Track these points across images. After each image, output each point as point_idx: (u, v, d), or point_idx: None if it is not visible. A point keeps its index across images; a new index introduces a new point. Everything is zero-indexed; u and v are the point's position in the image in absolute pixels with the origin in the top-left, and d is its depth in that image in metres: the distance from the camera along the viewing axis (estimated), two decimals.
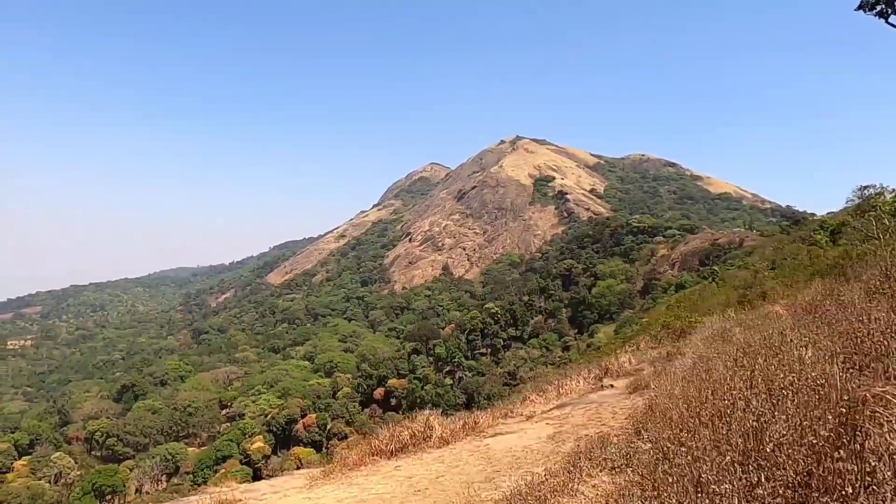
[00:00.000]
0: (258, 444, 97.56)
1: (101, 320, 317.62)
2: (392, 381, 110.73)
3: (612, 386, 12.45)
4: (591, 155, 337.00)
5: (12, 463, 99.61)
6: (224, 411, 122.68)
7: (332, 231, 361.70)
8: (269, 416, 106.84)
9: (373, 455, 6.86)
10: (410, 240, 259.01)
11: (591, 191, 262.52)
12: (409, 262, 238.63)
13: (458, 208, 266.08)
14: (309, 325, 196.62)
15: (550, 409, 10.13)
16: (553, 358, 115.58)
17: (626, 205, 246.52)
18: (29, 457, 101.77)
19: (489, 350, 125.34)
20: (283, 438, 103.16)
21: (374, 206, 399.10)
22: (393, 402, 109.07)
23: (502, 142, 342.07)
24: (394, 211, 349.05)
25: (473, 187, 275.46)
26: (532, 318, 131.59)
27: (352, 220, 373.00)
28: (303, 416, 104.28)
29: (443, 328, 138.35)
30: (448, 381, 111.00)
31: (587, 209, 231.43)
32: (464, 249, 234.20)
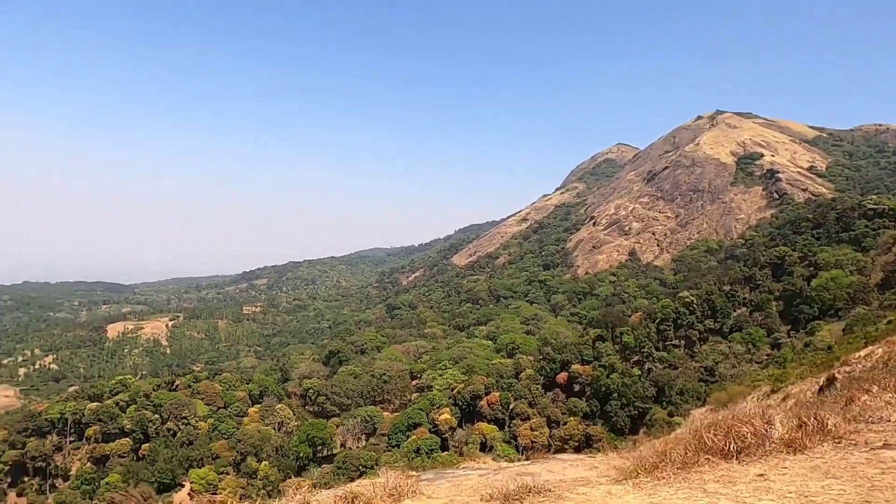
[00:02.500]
0: (445, 416, 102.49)
1: (313, 293, 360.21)
2: (576, 367, 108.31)
3: None
4: (810, 128, 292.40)
5: (247, 409, 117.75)
6: (414, 382, 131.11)
7: (514, 215, 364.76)
8: (455, 390, 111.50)
9: (705, 453, 5.62)
10: (595, 223, 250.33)
11: (810, 168, 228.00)
12: (593, 247, 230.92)
13: (648, 190, 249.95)
14: (492, 305, 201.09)
15: None
16: (760, 356, 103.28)
17: (855, 184, 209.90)
18: (259, 405, 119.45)
19: (683, 342, 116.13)
20: (468, 413, 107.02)
21: (556, 189, 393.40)
22: (576, 387, 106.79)
23: (699, 117, 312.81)
24: (577, 194, 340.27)
25: (665, 168, 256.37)
26: (734, 311, 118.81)
27: (534, 203, 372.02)
28: (486, 394, 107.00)
29: (629, 316, 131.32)
30: (636, 371, 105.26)
31: (804, 189, 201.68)
32: (653, 234, 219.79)
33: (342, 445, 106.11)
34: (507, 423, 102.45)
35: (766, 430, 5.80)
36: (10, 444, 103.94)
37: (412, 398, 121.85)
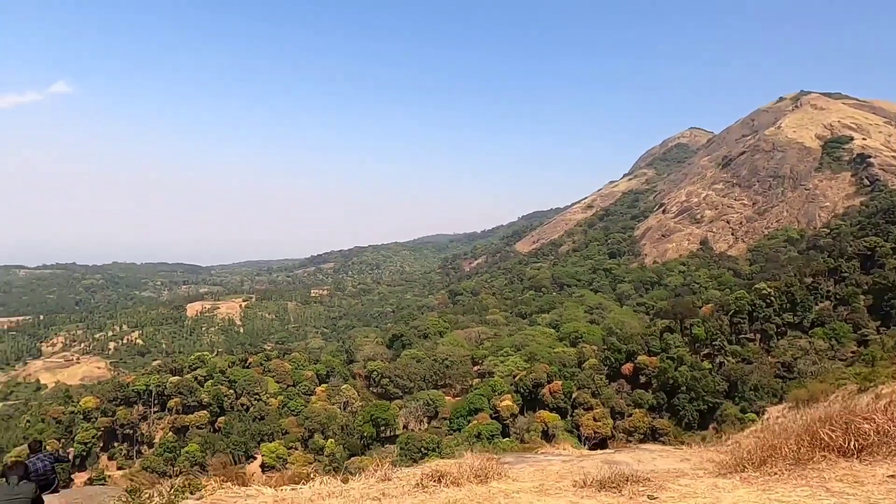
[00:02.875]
0: (507, 403, 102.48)
1: (377, 277, 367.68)
2: (642, 358, 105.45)
3: None
4: None
5: (315, 388, 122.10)
6: (475, 367, 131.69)
7: (579, 202, 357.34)
8: (517, 377, 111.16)
9: (821, 450, 5.18)
10: (664, 211, 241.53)
11: None
12: (662, 235, 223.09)
13: (722, 177, 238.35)
14: (555, 293, 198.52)
15: None
16: (844, 353, 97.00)
17: None
18: (326, 385, 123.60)
19: (758, 336, 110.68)
20: (530, 400, 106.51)
21: (624, 175, 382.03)
22: (642, 379, 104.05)
23: (781, 99, 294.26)
24: (646, 180, 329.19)
25: (742, 153, 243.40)
26: (816, 304, 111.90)
27: (600, 190, 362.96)
28: (548, 382, 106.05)
29: (699, 307, 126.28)
30: (706, 364, 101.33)
31: None
32: (727, 222, 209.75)
33: (404, 427, 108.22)
34: (570, 413, 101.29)
35: (891, 428, 5.28)
36: (102, 411, 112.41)
37: (473, 383, 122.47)
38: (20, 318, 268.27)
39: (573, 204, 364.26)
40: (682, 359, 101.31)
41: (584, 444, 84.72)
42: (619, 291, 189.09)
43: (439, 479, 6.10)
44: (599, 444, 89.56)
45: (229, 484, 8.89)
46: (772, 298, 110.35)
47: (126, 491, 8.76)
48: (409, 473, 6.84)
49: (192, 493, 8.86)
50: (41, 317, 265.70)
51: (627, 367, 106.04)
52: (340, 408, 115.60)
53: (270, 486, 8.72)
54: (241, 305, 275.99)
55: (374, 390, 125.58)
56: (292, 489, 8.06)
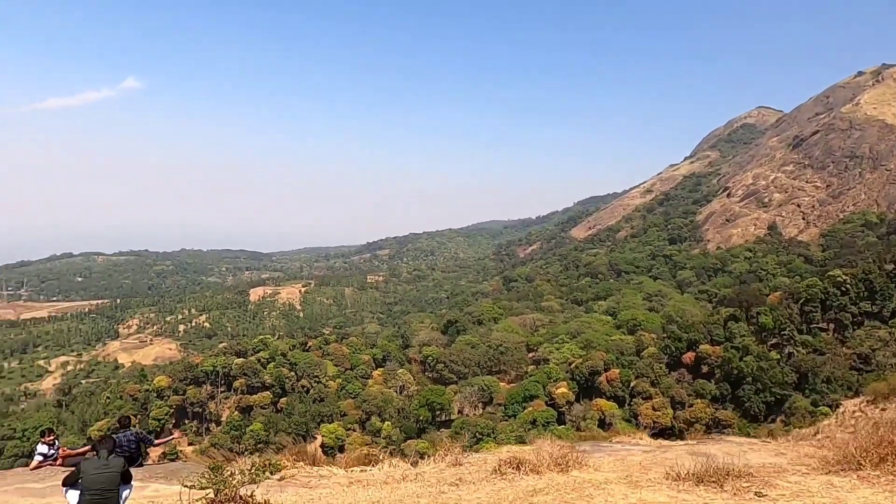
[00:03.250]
0: (562, 390, 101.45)
1: (432, 264, 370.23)
2: (704, 347, 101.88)
3: None
4: None
5: (372, 371, 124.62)
6: (530, 354, 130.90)
7: (637, 186, 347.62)
8: (573, 364, 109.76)
9: None
10: (729, 195, 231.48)
11: None
12: (726, 220, 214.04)
13: (793, 158, 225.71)
14: (612, 280, 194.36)
15: None
16: None
17: None
18: (382, 368, 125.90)
19: (832, 326, 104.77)
20: (586, 388, 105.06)
21: (685, 158, 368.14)
22: (704, 369, 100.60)
23: (860, 73, 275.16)
24: (709, 163, 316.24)
25: (815, 132, 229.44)
26: None
27: (660, 174, 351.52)
28: (605, 370, 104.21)
29: (766, 295, 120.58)
30: (774, 355, 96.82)
31: None
32: (798, 206, 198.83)
33: (459, 412, 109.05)
34: (628, 402, 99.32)
35: None
36: (174, 390, 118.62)
37: (528, 370, 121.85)
38: (99, 301, 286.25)
39: (631, 189, 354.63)
40: (747, 348, 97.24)
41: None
42: (679, 278, 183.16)
43: (518, 466, 5.93)
44: (659, 434, 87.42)
45: (301, 463, 9.08)
46: (847, 286, 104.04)
47: (209, 468, 8.76)
48: (480, 459, 6.69)
49: (272, 472, 8.89)
50: (118, 300, 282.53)
51: (689, 356, 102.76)
52: (396, 391, 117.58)
53: (341, 467, 8.83)
54: (300, 291, 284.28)
55: (430, 375, 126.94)
56: (362, 470, 8.14)
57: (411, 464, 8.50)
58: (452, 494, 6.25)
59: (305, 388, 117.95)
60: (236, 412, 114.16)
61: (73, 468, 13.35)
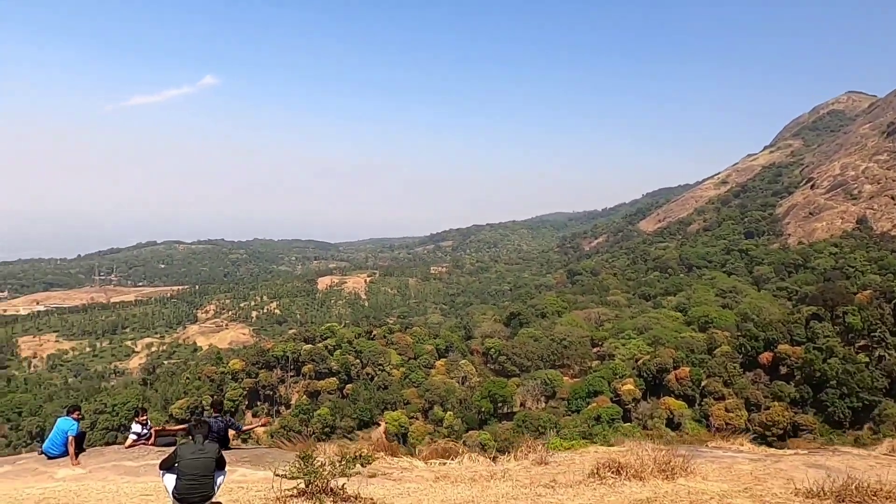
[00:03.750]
0: (629, 387, 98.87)
1: (495, 256, 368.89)
2: (783, 347, 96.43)
3: None
4: None
5: (435, 361, 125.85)
6: (595, 349, 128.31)
7: (711, 177, 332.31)
8: (640, 361, 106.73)
9: None
10: (813, 186, 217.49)
11: None
12: (809, 213, 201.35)
13: (887, 146, 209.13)
14: (682, 275, 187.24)
15: None
16: None
17: None
18: (445, 359, 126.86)
19: None
20: (654, 386, 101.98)
21: (765, 147, 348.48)
22: (783, 370, 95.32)
23: None
24: (791, 152, 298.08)
25: None
26: None
27: (736, 164, 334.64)
28: (675, 368, 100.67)
29: (854, 293, 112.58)
30: (862, 358, 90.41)
31: None
32: (892, 198, 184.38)
33: (521, 405, 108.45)
34: (698, 401, 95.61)
35: None
36: (247, 373, 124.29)
37: (592, 365, 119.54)
38: (180, 287, 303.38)
39: (704, 180, 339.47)
40: (832, 350, 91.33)
41: (715, 436, 79.79)
42: (756, 274, 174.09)
43: (618, 470, 5.65)
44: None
45: (382, 454, 9.13)
46: None
47: (299, 457, 8.72)
48: (567, 458, 6.45)
49: (362, 465, 8.78)
50: (196, 286, 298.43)
51: (766, 357, 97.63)
52: (459, 382, 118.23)
53: (420, 459, 8.81)
54: (365, 280, 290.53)
55: (492, 367, 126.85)
56: (442, 463, 8.09)
57: (492, 459, 8.38)
58: (551, 498, 5.97)
59: (370, 376, 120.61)
60: (304, 396, 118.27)
61: (167, 447, 13.73)
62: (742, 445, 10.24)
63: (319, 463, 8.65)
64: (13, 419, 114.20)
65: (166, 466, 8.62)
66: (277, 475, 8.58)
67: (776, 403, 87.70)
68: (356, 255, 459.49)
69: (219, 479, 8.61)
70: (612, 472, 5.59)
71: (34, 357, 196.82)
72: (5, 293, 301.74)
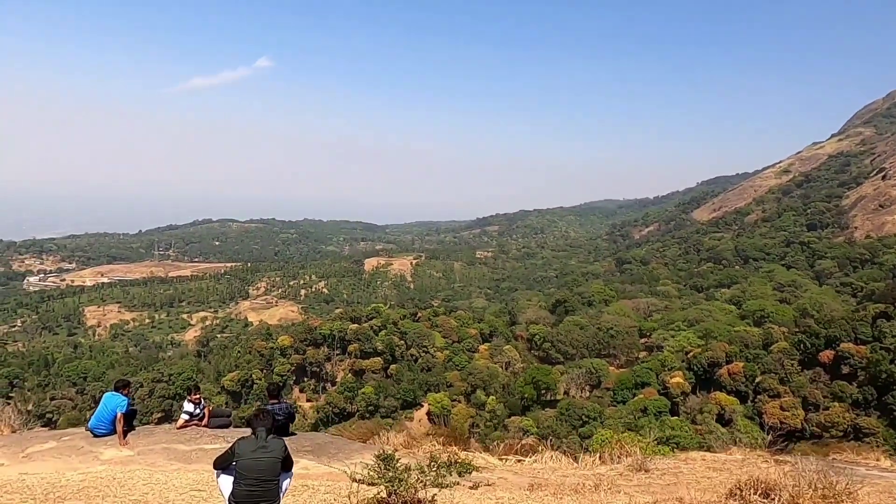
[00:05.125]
0: (678, 380, 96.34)
1: (541, 242, 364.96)
2: (846, 346, 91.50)
3: None
4: None
5: (478, 346, 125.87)
6: (642, 340, 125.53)
7: (772, 166, 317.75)
8: (691, 354, 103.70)
9: None
10: (885, 177, 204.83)
11: None
12: (880, 205, 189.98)
13: None
14: (737, 267, 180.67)
15: None
16: None
17: None
18: (489, 344, 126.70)
19: None
20: (704, 380, 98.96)
21: (832, 135, 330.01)
22: (844, 369, 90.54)
23: None
24: (862, 141, 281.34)
25: None
26: None
27: (799, 153, 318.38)
28: (727, 362, 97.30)
29: None
30: None
31: None
32: None
33: (565, 393, 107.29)
34: (751, 398, 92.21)
35: None
36: (295, 349, 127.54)
37: (640, 356, 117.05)
38: (233, 264, 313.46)
39: (764, 168, 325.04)
40: None
41: (768, 435, 76.82)
42: (817, 268, 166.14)
43: (766, 492, 4.76)
44: (786, 436, 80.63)
45: (452, 447, 8.49)
46: None
47: (379, 459, 7.39)
48: (671, 466, 5.69)
49: (460, 473, 7.43)
50: (248, 264, 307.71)
51: (826, 355, 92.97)
52: (502, 367, 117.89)
53: (495, 455, 8.19)
54: (411, 263, 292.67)
55: (536, 353, 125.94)
56: (518, 461, 7.49)
57: (573, 458, 7.68)
58: None
59: (414, 357, 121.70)
60: (350, 374, 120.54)
61: (221, 429, 12.72)
62: (878, 461, 9.05)
63: (403, 466, 7.42)
64: (79, 384, 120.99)
65: (222, 465, 7.30)
66: (355, 480, 7.35)
67: (836, 404, 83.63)
68: (403, 237, 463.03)
69: (284, 483, 7.34)
70: (759, 495, 4.66)
71: (98, 326, 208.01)
72: (73, 265, 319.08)
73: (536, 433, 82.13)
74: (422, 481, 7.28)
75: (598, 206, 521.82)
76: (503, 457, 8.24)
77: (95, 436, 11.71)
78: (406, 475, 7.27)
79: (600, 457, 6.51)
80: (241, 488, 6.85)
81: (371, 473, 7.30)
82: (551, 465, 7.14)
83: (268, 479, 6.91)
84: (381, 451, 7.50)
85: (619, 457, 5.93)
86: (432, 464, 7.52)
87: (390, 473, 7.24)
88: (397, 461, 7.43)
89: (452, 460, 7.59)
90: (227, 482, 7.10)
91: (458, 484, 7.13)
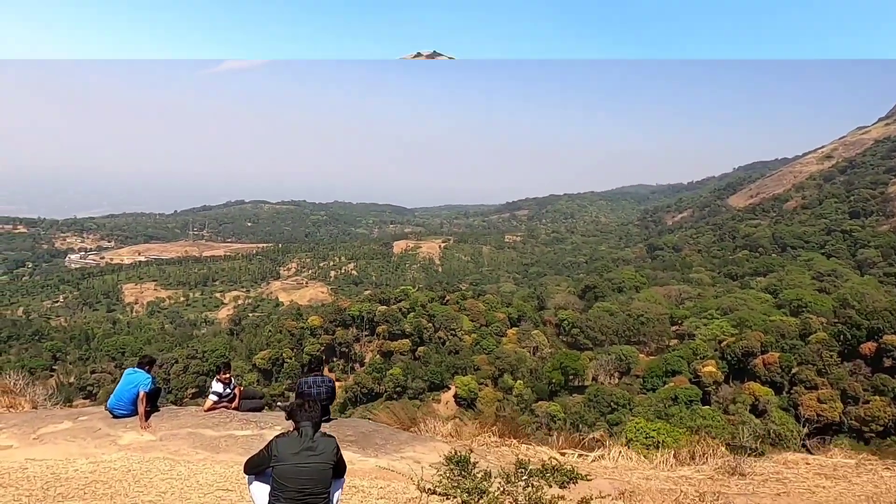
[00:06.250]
0: (710, 369, 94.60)
1: (571, 227, 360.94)
2: (889, 338, 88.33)
3: None
4: None
5: (506, 330, 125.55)
6: (674, 328, 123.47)
7: (813, 151, 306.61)
8: (724, 343, 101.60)
9: None
10: None
11: None
12: None
13: None
14: (774, 255, 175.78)
15: None
16: None
17: None
18: (517, 328, 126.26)
19: None
20: (737, 369, 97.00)
21: (879, 119, 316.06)
22: (887, 362, 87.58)
23: None
24: None
25: None
26: None
27: (843, 137, 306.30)
28: (763, 352, 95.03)
29: None
30: None
31: None
32: None
33: (594, 379, 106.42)
34: (787, 389, 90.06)
35: None
36: (325, 329, 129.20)
37: (670, 344, 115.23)
38: (264, 244, 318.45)
39: (805, 154, 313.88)
40: None
41: (804, 427, 75.01)
42: (859, 258, 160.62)
43: None
44: (822, 430, 78.62)
45: (510, 440, 7.80)
46: None
47: (451, 462, 5.92)
48: (772, 470, 4.97)
49: (561, 484, 5.80)
50: (279, 245, 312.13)
51: (868, 347, 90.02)
52: (530, 352, 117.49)
53: (554, 450, 7.53)
54: (440, 246, 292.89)
55: (564, 339, 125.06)
56: (580, 455, 6.84)
57: (643, 455, 6.95)
58: None
59: (442, 340, 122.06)
60: (378, 356, 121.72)
61: (253, 411, 11.55)
62: None
63: (482, 472, 5.81)
64: (117, 358, 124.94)
65: (256, 470, 5.67)
66: (424, 490, 5.78)
67: (877, 398, 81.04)
68: (431, 220, 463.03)
69: (335, 495, 5.71)
70: None
71: (136, 303, 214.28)
72: (112, 243, 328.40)
73: (563, 419, 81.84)
74: (510, 493, 5.67)
75: (629, 192, 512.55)
76: (563, 451, 7.49)
77: (115, 416, 10.53)
78: (487, 484, 5.66)
79: (675, 454, 5.77)
80: (280, 501, 5.29)
81: (444, 481, 5.78)
82: (623, 463, 6.40)
83: (315, 492, 5.32)
84: (454, 451, 6.07)
85: (704, 457, 5.15)
86: (520, 471, 5.94)
87: (468, 483, 5.67)
88: (474, 465, 5.94)
89: (549, 466, 5.98)
90: (261, 492, 5.59)
91: (562, 499, 5.54)
